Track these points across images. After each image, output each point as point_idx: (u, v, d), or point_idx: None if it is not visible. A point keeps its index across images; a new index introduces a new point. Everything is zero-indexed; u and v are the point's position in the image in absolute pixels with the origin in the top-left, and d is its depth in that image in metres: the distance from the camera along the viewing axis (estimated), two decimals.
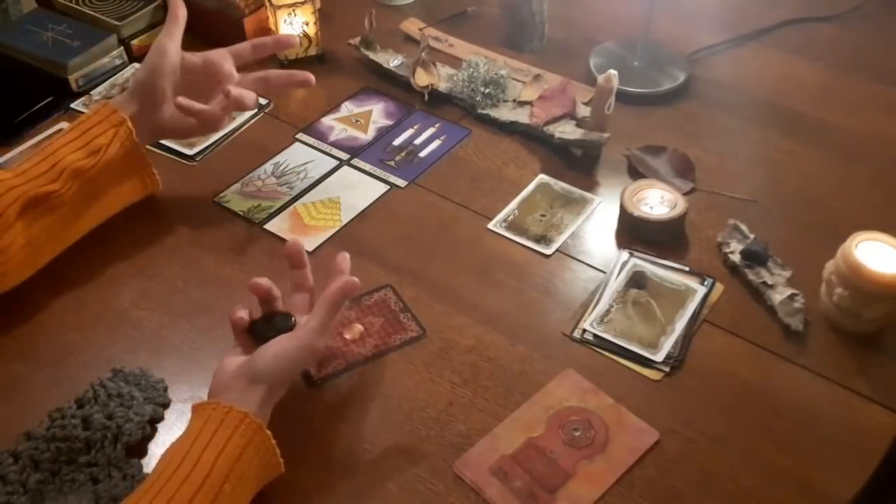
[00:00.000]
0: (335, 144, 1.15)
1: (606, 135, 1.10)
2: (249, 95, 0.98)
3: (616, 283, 0.95)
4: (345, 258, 0.85)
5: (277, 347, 0.78)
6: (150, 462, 0.80)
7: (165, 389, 0.85)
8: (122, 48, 1.26)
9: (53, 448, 0.78)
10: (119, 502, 0.74)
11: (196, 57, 1.00)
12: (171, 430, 0.83)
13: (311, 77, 1.04)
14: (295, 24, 1.24)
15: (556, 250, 1.00)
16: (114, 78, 1.24)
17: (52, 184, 0.90)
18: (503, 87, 1.20)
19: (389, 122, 1.19)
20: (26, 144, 1.12)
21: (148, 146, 1.02)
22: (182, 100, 0.97)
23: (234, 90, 0.97)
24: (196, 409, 0.75)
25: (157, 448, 0.81)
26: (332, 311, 0.79)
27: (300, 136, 1.16)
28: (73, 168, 0.91)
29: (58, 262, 0.96)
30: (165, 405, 0.84)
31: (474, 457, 0.80)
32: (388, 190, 1.08)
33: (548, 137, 1.13)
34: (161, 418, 0.83)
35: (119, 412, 0.81)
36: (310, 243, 1.01)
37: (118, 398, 0.82)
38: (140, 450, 0.81)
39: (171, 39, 0.98)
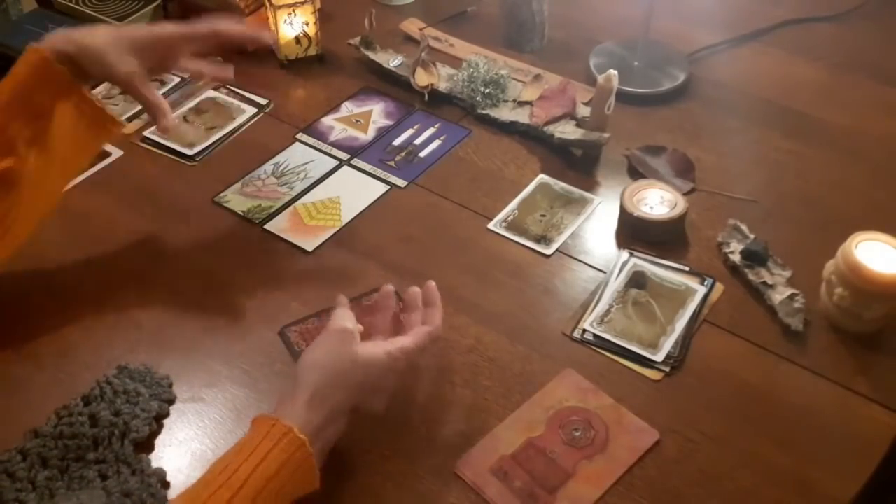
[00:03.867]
0: (335, 144, 1.15)
1: (606, 135, 1.10)
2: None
3: (616, 283, 0.95)
4: (431, 290, 0.85)
5: (322, 348, 0.77)
6: (158, 457, 0.80)
7: (170, 385, 0.85)
8: None
9: (61, 445, 0.78)
10: (130, 497, 0.75)
11: (157, 46, 0.92)
12: (176, 426, 0.83)
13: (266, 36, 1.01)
14: (295, 24, 1.24)
15: (556, 250, 1.00)
16: None
17: (6, 158, 0.84)
18: (503, 87, 1.20)
19: (389, 122, 1.19)
20: None
21: (145, 144, 1.01)
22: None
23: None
24: (253, 420, 0.74)
25: (165, 454, 0.81)
26: (423, 340, 0.80)
27: (300, 136, 1.16)
28: (22, 137, 0.85)
29: (58, 263, 0.97)
30: (171, 401, 0.84)
31: (474, 457, 0.80)
32: (388, 190, 1.08)
33: (548, 137, 1.13)
34: (167, 414, 0.83)
35: (126, 409, 0.81)
36: (310, 243, 1.01)
37: (124, 395, 0.83)
38: (148, 445, 0.81)
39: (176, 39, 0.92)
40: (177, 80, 1.24)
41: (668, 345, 0.89)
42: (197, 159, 1.13)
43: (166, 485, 0.78)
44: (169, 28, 0.93)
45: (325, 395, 0.74)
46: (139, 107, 1.19)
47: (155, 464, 0.79)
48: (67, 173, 0.94)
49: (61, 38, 0.88)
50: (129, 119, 1.18)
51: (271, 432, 0.70)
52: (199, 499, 0.67)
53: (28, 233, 0.90)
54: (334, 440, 0.75)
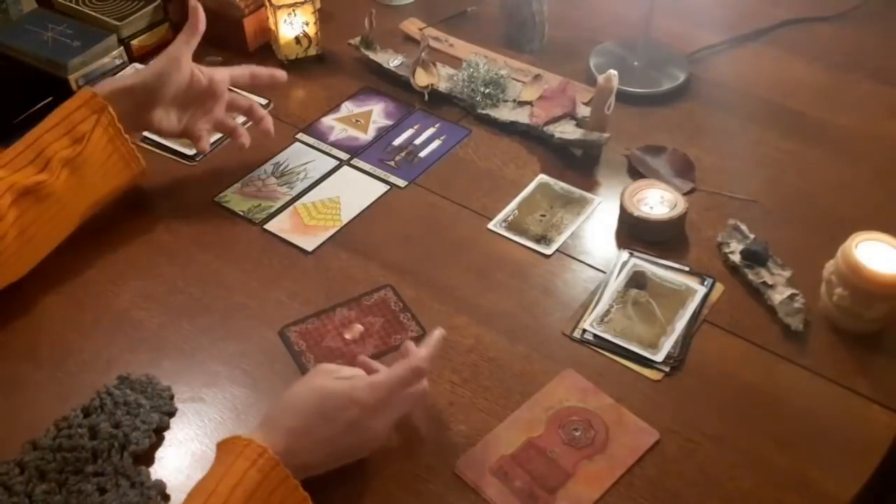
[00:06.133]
0: (335, 144, 1.15)
1: (606, 135, 1.10)
2: (246, 136, 1.08)
3: (616, 283, 0.95)
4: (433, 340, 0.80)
5: (305, 385, 0.76)
6: (157, 470, 0.79)
7: (172, 398, 0.84)
8: (122, 48, 1.26)
9: (60, 458, 0.78)
10: None
11: (203, 76, 1.02)
12: (176, 427, 0.83)
13: (283, 75, 1.11)
14: (295, 24, 1.24)
15: (556, 250, 1.00)
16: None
17: (40, 173, 0.90)
18: (503, 87, 1.20)
19: (389, 122, 1.19)
20: None
21: (145, 144, 1.03)
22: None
23: (241, 129, 1.08)
24: (219, 444, 0.73)
25: (165, 455, 0.81)
26: (400, 377, 0.76)
27: (300, 136, 1.16)
28: (59, 157, 0.91)
29: (58, 263, 0.96)
30: (171, 413, 0.84)
31: (474, 457, 0.80)
32: (388, 190, 1.08)
33: (548, 137, 1.13)
34: (167, 427, 0.83)
35: (126, 421, 0.81)
36: (310, 243, 1.01)
37: (125, 406, 0.82)
38: (147, 458, 0.80)
39: (187, 49, 1.00)
40: None
41: (668, 345, 0.89)
42: (197, 159, 1.13)
43: (166, 497, 0.77)
44: (219, 75, 1.04)
45: (278, 419, 0.74)
46: None
47: (155, 465, 0.79)
48: (92, 200, 0.97)
49: (114, 80, 0.99)
50: None
51: (245, 452, 0.70)
52: None
53: (47, 250, 0.94)
54: (313, 472, 0.74)
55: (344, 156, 1.13)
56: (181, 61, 0.99)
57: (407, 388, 0.77)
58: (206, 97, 1.03)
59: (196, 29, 1.00)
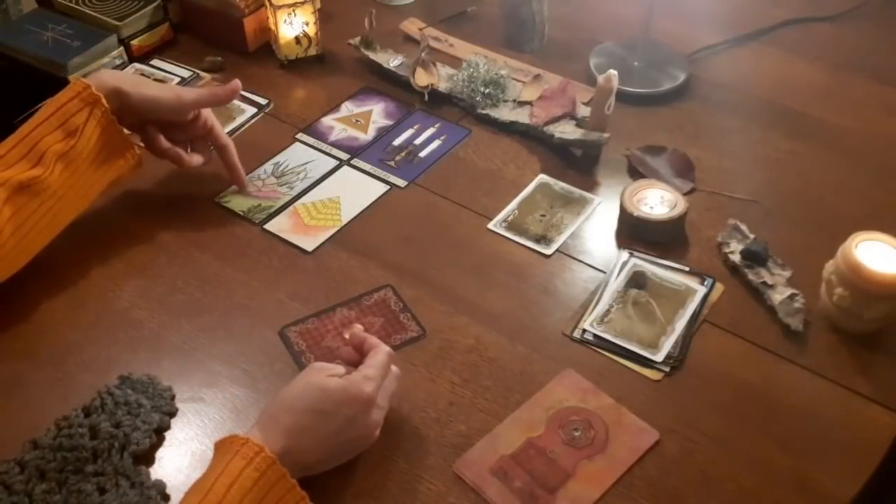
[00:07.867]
0: (335, 144, 1.15)
1: (606, 135, 1.10)
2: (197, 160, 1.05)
3: (616, 283, 0.95)
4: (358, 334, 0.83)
5: (301, 382, 0.76)
6: (157, 470, 0.79)
7: (173, 398, 0.84)
8: (122, 48, 1.26)
9: (60, 458, 0.77)
10: None
11: (200, 118, 1.03)
12: (176, 426, 0.83)
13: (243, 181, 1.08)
14: (295, 24, 1.24)
15: (556, 250, 1.00)
16: None
17: (34, 168, 0.89)
18: (503, 87, 1.20)
19: (389, 122, 1.19)
20: None
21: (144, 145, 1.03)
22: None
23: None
24: (217, 443, 0.73)
25: (165, 455, 0.81)
26: (385, 364, 0.79)
27: (300, 136, 1.16)
28: (52, 150, 0.90)
29: (58, 263, 0.96)
30: (172, 414, 0.84)
31: (474, 457, 0.80)
32: (388, 190, 1.08)
33: (548, 137, 1.13)
34: (168, 427, 0.83)
35: (126, 420, 0.81)
36: (310, 243, 1.01)
37: (125, 406, 0.82)
38: (147, 458, 0.80)
39: (198, 105, 1.01)
40: (177, 79, 1.24)
41: (668, 345, 0.89)
42: None
43: (166, 497, 0.77)
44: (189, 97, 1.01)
45: (276, 418, 0.74)
46: None
47: (155, 465, 0.79)
48: (87, 193, 0.96)
49: (112, 76, 0.98)
50: None
51: (242, 451, 0.70)
52: None
53: (43, 244, 0.94)
54: (311, 471, 0.75)
55: (344, 156, 1.13)
56: (186, 108, 1.00)
57: (388, 372, 0.79)
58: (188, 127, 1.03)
59: (220, 100, 1.02)
